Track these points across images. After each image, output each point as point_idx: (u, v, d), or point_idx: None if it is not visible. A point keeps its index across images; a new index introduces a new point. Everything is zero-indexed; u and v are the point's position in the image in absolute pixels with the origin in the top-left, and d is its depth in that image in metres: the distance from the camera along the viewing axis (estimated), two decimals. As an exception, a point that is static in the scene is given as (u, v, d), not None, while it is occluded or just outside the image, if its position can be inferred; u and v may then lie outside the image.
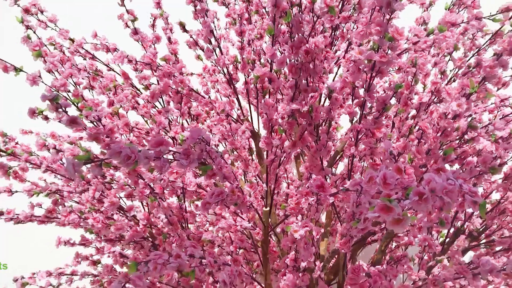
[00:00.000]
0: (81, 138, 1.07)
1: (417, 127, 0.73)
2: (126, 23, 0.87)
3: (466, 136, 0.73)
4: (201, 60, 1.11)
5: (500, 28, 0.67)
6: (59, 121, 0.54)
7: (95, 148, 1.00)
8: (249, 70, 0.92)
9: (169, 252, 0.58)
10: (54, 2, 1.04)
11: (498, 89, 0.85)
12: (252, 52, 0.96)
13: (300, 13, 0.61)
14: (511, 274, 0.67)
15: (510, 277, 0.79)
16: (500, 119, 0.69)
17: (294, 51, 0.62)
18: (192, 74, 1.17)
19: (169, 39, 1.00)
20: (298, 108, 0.65)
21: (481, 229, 0.93)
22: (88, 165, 0.46)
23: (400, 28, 0.56)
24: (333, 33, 0.79)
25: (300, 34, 0.61)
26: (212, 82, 1.09)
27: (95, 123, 0.62)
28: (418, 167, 0.71)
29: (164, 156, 0.48)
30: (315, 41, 0.59)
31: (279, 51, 0.74)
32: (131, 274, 0.53)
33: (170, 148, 0.49)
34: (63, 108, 0.53)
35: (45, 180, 0.92)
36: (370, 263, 0.96)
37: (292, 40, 0.61)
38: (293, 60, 0.63)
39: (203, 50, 0.94)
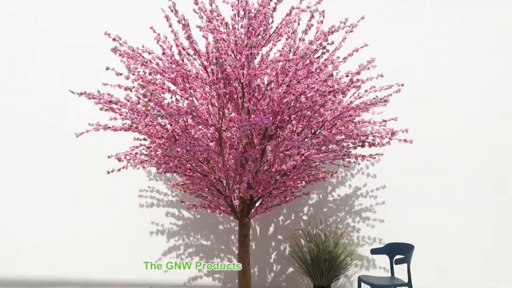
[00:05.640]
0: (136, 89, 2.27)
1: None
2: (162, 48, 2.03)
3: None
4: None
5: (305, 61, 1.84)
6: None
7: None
8: (212, 60, 2.09)
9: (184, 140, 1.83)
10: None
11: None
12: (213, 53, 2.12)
13: (224, 60, 1.80)
14: (304, 146, 1.92)
15: (309, 149, 2.07)
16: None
17: (222, 72, 1.81)
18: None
19: (176, 45, 2.16)
20: (225, 91, 1.86)
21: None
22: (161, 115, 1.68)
23: (255, 65, 1.75)
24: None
25: (225, 67, 1.80)
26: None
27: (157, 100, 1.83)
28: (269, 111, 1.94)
29: (182, 113, 1.71)
30: (228, 70, 1.79)
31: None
32: (172, 147, 1.79)
33: (183, 110, 1.71)
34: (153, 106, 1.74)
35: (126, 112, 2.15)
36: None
37: (222, 69, 1.80)
38: (221, 75, 1.83)
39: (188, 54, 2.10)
